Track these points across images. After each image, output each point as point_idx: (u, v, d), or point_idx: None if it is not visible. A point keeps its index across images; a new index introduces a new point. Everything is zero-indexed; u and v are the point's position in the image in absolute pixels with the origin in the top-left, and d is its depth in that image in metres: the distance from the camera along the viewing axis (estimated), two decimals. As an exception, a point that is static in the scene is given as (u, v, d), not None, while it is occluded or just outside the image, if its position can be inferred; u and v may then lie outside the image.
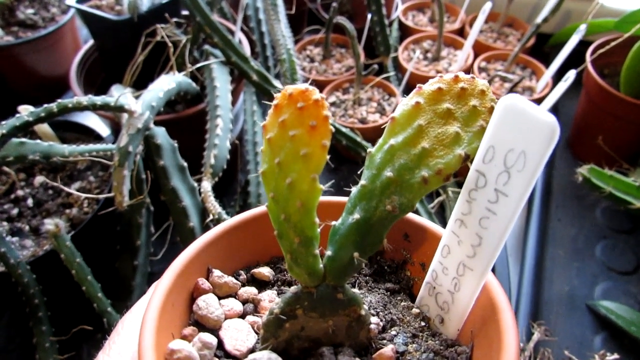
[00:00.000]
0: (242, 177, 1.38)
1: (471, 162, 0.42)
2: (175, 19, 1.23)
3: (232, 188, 1.34)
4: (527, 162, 0.38)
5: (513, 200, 0.40)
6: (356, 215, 0.43)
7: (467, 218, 0.44)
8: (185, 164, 0.98)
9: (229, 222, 0.57)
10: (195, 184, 0.99)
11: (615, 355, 0.93)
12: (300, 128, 0.39)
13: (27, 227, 1.00)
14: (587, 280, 1.17)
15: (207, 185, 0.98)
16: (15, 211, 1.02)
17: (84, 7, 1.18)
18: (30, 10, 1.52)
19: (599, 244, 1.24)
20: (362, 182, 0.44)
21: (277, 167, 0.41)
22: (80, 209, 1.03)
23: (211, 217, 0.95)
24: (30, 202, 1.04)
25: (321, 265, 0.44)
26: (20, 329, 0.99)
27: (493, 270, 1.09)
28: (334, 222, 0.45)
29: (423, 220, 0.57)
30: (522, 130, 0.37)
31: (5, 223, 1.01)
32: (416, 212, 1.08)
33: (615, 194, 1.06)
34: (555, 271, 1.19)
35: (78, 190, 1.06)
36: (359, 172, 0.45)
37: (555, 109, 1.55)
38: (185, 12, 1.31)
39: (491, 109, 0.42)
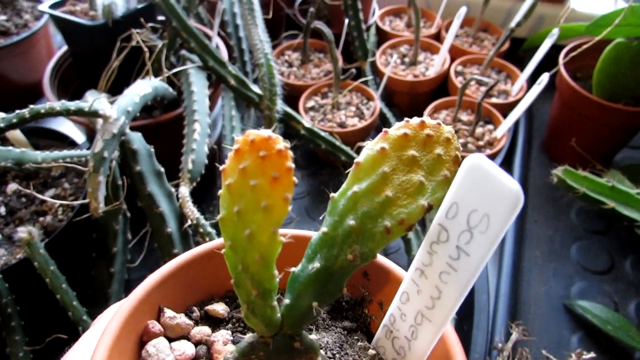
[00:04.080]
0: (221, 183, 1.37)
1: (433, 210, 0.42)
2: (151, 24, 1.22)
3: (211, 194, 1.33)
4: (491, 226, 0.37)
5: (474, 259, 0.39)
6: (316, 264, 0.42)
7: (427, 269, 0.44)
8: (162, 169, 0.97)
9: (181, 257, 0.55)
10: (173, 190, 0.98)
11: (592, 354, 0.95)
12: (262, 178, 0.37)
13: (-1, 236, 0.98)
14: (564, 281, 1.19)
15: (184, 190, 0.97)
16: (-13, 220, 1.00)
17: (57, 12, 1.17)
18: (2, 17, 1.49)
19: (574, 245, 1.26)
20: (324, 229, 0.43)
21: (236, 215, 0.39)
22: (55, 216, 1.01)
23: (189, 222, 0.94)
24: (2, 210, 1.02)
25: (279, 315, 0.43)
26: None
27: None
28: (293, 269, 0.44)
29: (383, 260, 0.56)
30: (486, 193, 0.37)
31: (-24, 232, 0.98)
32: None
33: (588, 194, 1.08)
34: (532, 272, 1.21)
35: (52, 198, 1.04)
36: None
37: (529, 112, 1.58)
38: (161, 17, 1.30)
39: (455, 158, 0.41)
